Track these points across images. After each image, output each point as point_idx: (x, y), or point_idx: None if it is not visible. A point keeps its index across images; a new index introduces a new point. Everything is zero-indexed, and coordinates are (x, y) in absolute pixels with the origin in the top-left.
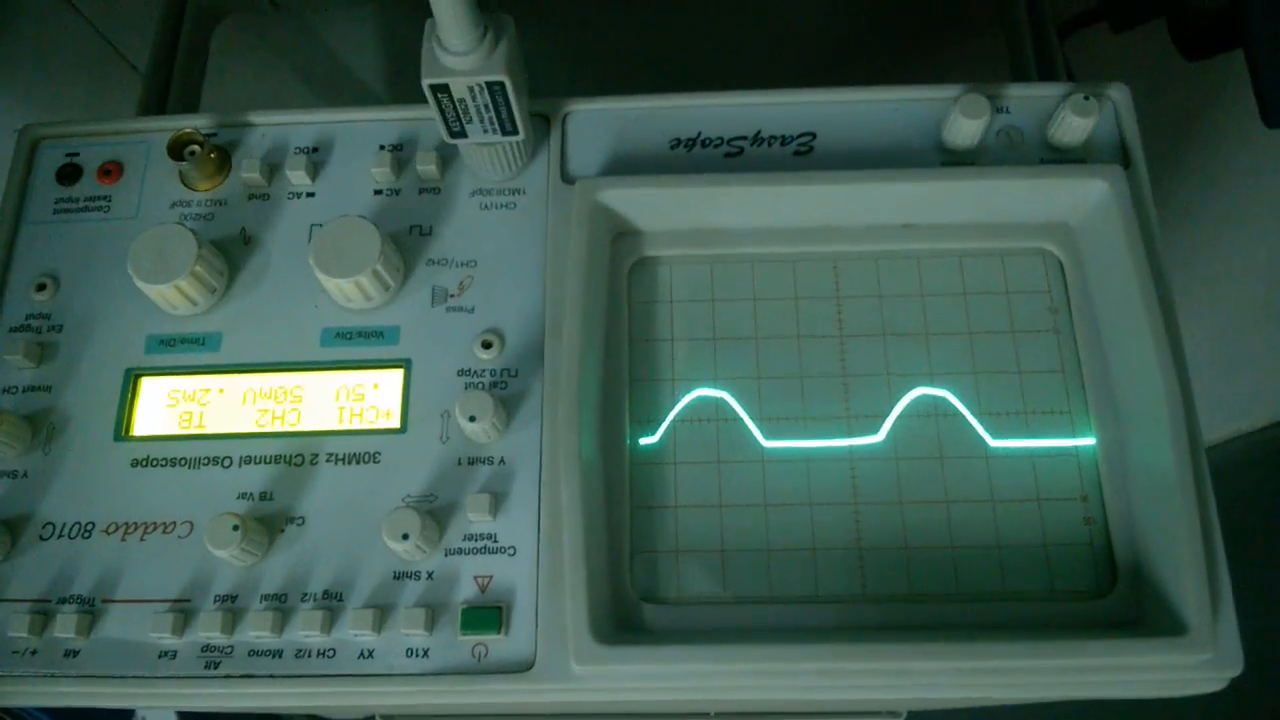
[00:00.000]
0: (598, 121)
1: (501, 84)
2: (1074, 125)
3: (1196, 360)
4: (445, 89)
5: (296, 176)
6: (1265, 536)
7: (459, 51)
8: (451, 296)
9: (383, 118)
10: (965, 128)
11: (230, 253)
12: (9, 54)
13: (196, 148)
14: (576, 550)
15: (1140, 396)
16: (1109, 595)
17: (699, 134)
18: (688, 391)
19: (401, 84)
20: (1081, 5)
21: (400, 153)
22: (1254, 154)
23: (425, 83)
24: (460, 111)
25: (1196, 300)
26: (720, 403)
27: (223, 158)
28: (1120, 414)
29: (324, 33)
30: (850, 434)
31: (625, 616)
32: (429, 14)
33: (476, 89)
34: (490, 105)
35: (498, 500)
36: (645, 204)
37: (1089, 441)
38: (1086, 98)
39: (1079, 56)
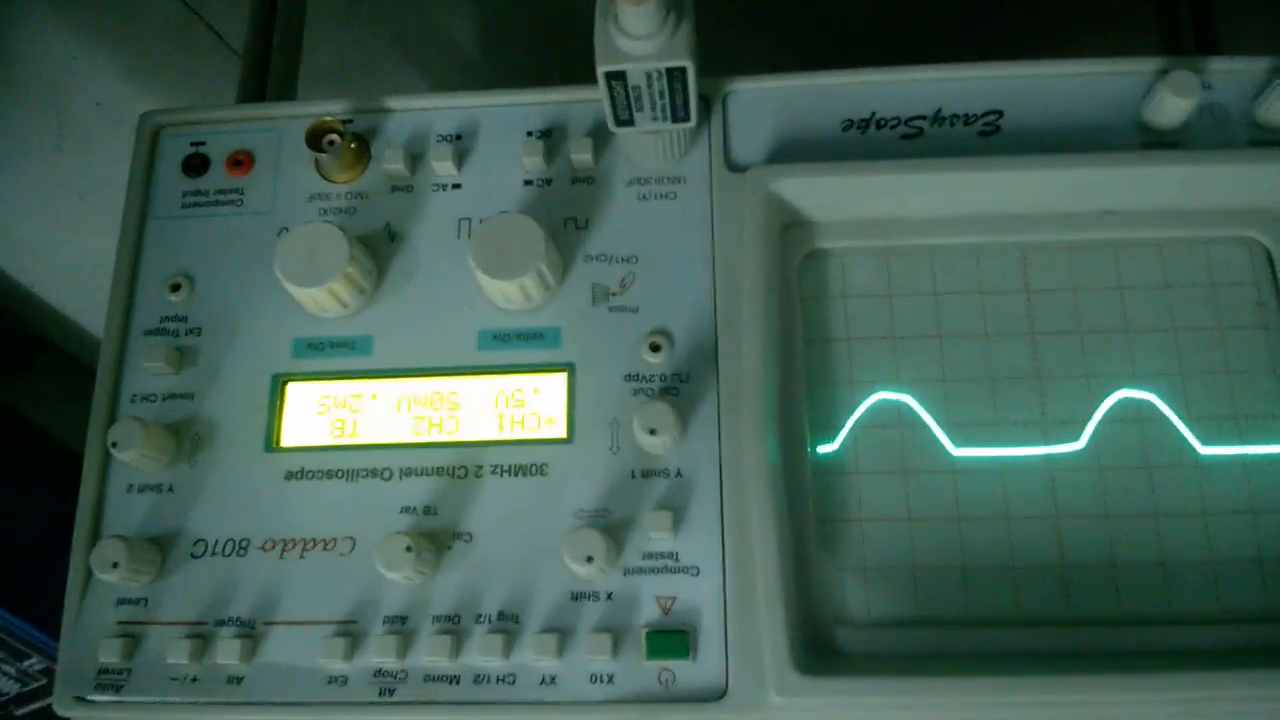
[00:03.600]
0: (761, 102)
1: (684, 70)
2: None
3: None
4: (621, 76)
5: (441, 166)
6: None
7: (640, 35)
8: (613, 295)
9: (529, 101)
10: (1173, 106)
11: (376, 250)
12: (95, 23)
13: (336, 137)
14: (771, 572)
15: None
16: None
17: (873, 114)
18: (867, 395)
19: (499, 51)
20: None
21: (549, 139)
22: None
23: (601, 70)
24: (632, 99)
25: None
26: (903, 407)
27: (362, 147)
28: None
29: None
30: (1047, 441)
31: (817, 640)
32: None
33: (655, 75)
34: (666, 91)
35: (677, 516)
36: (820, 193)
37: None
38: None
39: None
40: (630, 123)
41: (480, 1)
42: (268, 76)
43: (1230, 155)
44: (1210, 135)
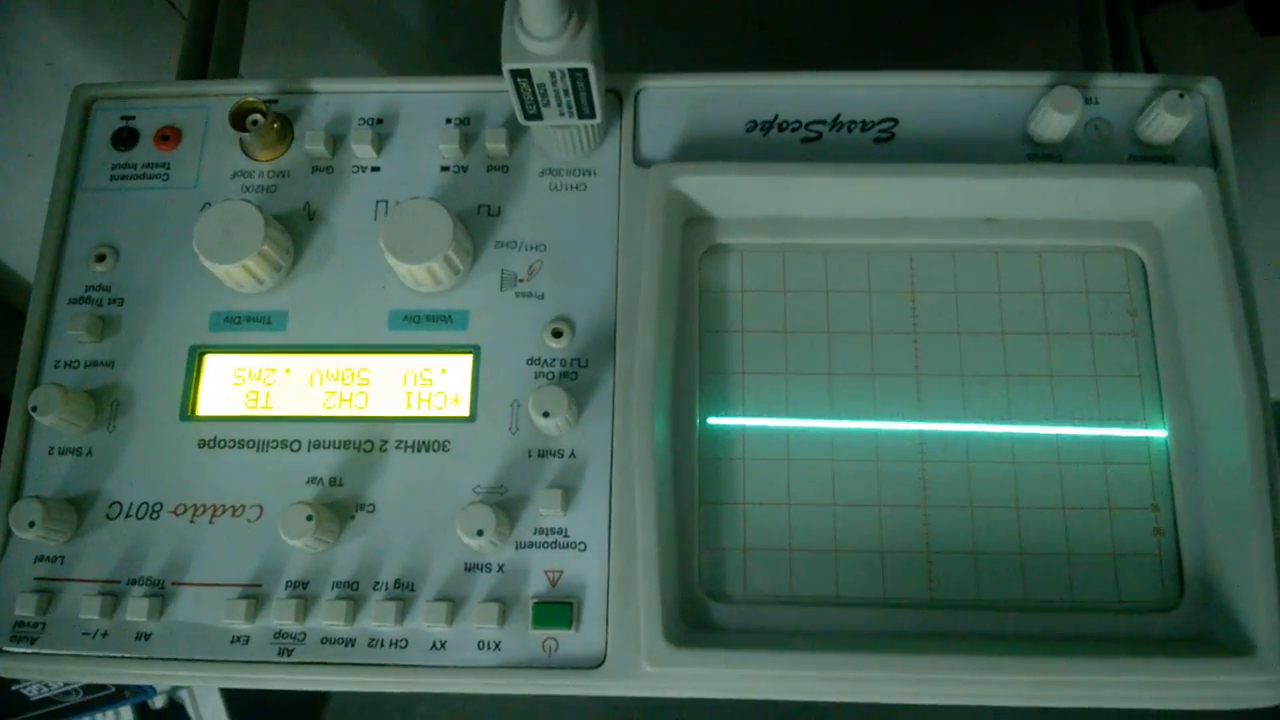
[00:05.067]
0: (671, 100)
1: (585, 71)
2: (1166, 123)
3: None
4: (526, 74)
5: (361, 150)
6: None
7: (543, 37)
8: (521, 281)
9: (450, 89)
10: (1055, 122)
11: (295, 228)
12: None
13: (259, 117)
14: (650, 549)
15: (1218, 406)
16: (1176, 609)
17: (776, 116)
18: (758, 385)
19: (446, 32)
20: None
21: (467, 127)
22: None
23: (506, 68)
24: (539, 95)
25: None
26: (790, 398)
27: (285, 127)
28: (1196, 423)
29: None
30: (921, 434)
31: (693, 614)
32: None
33: (558, 74)
34: (570, 90)
35: (568, 495)
36: (721, 191)
37: (1163, 452)
38: (1181, 95)
39: (1154, 33)
40: (539, 117)
41: None
42: (210, 48)
43: (1108, 169)
44: (1093, 150)
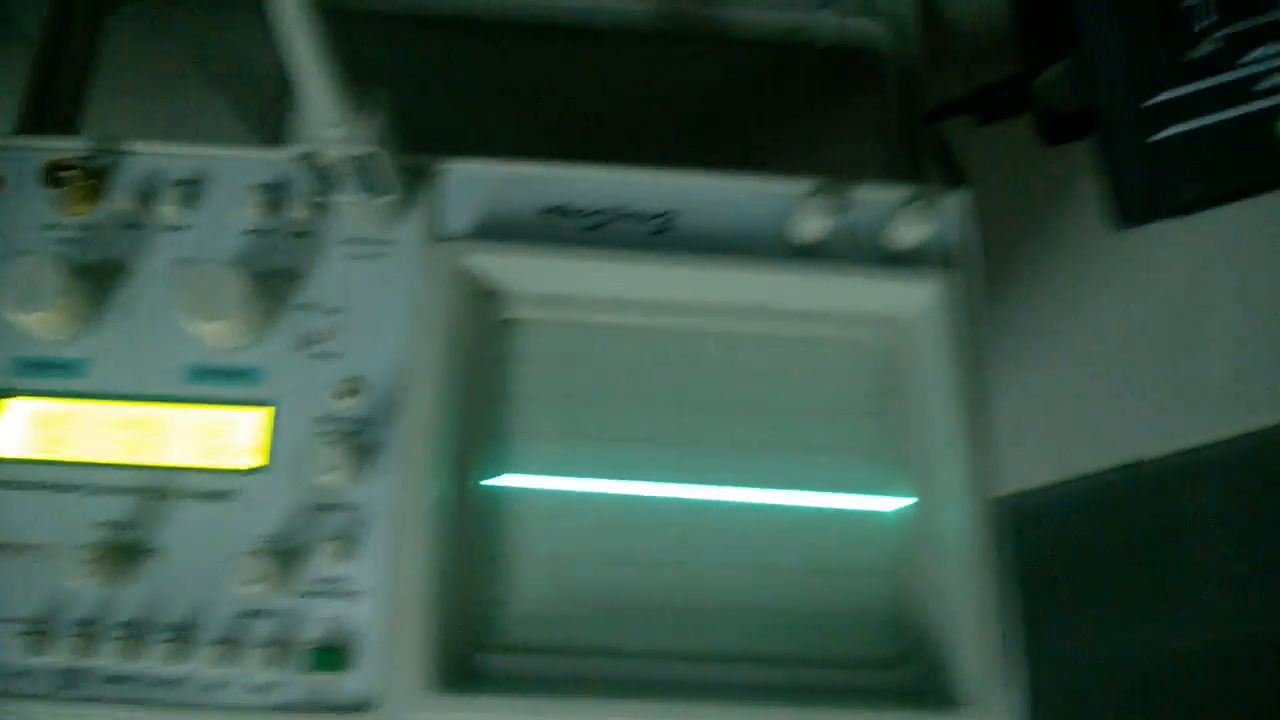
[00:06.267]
0: (471, 182)
1: (372, 156)
2: (911, 230)
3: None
4: (313, 157)
5: (170, 210)
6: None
7: (329, 125)
8: (317, 343)
9: (262, 157)
10: (810, 225)
11: (99, 281)
12: None
13: (71, 173)
14: (413, 603)
15: (946, 485)
16: (901, 666)
17: (567, 204)
18: (537, 449)
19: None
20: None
21: (273, 194)
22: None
23: (291, 153)
24: (331, 175)
25: (1035, 364)
26: (566, 461)
27: (98, 183)
28: (931, 499)
29: (225, 28)
30: (684, 499)
31: (461, 663)
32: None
33: (348, 159)
34: (362, 172)
35: (350, 546)
36: (511, 268)
37: (899, 521)
38: (926, 204)
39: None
40: (335, 193)
41: None
42: (55, 97)
43: (854, 270)
44: (846, 252)
